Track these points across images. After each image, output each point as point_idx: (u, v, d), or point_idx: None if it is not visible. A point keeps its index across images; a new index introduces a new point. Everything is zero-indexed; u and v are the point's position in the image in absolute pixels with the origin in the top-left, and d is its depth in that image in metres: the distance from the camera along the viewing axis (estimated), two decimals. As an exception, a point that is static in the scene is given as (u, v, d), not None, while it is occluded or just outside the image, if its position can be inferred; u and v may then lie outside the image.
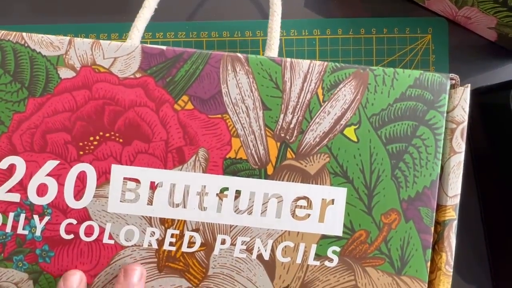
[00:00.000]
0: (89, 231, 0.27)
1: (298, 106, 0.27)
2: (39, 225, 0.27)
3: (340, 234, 0.27)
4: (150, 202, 0.27)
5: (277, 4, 0.34)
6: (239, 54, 0.27)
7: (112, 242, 0.27)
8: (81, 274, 0.27)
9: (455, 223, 0.27)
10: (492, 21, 0.36)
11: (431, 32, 0.41)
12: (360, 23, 0.41)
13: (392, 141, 0.27)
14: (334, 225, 0.27)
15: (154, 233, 0.27)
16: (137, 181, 0.27)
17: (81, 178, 0.27)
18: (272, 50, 0.33)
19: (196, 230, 0.27)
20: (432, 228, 0.27)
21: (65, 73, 0.27)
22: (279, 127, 0.27)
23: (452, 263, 0.27)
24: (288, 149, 0.27)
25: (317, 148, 0.27)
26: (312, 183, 0.27)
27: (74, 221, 0.27)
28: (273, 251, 0.27)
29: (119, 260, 0.27)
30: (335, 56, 0.41)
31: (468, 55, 0.41)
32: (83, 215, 0.27)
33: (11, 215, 0.27)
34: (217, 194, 0.27)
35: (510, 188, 0.36)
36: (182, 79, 0.27)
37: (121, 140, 0.27)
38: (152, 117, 0.27)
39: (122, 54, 0.27)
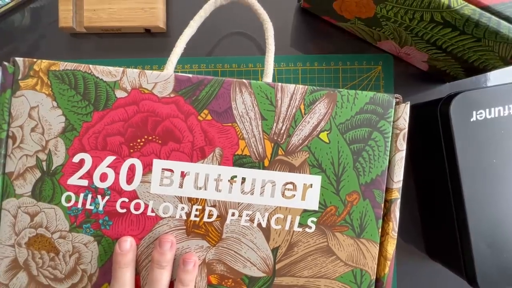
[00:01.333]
0: (137, 207, 0.27)
1: (286, 117, 0.27)
2: (101, 202, 0.27)
3: (316, 208, 0.27)
4: (180, 186, 0.27)
5: (271, 44, 0.33)
6: (244, 80, 0.27)
7: (153, 214, 0.27)
8: (131, 239, 0.26)
9: (398, 201, 0.26)
10: (424, 56, 0.36)
11: (381, 64, 0.41)
12: (330, 58, 0.41)
13: (354, 142, 0.26)
14: (312, 202, 0.27)
15: (183, 208, 0.27)
16: (171, 171, 0.27)
17: (132, 169, 0.27)
18: (268, 77, 0.33)
19: (214, 206, 0.27)
20: (382, 204, 0.26)
21: (120, 93, 0.27)
22: (273, 132, 0.27)
23: (396, 229, 0.26)
24: (279, 148, 0.27)
25: (300, 147, 0.27)
26: (297, 172, 0.27)
27: (126, 200, 0.27)
28: (268, 221, 0.27)
29: (159, 227, 0.27)
30: (313, 82, 0.40)
31: (408, 81, 0.41)
32: (133, 195, 0.27)
33: (81, 195, 0.27)
34: (228, 180, 0.27)
35: (433, 175, 0.36)
36: (203, 98, 0.27)
37: (160, 142, 0.27)
38: (182, 125, 0.27)
39: (160, 80, 0.27)
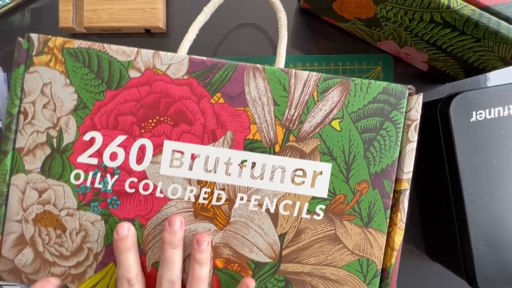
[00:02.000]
0: (146, 187, 0.27)
1: (299, 104, 0.27)
2: (110, 181, 0.27)
3: (325, 196, 0.27)
4: (190, 168, 0.27)
5: (284, 34, 0.34)
6: (258, 65, 0.27)
7: (162, 195, 0.27)
8: (128, 225, 0.26)
9: (408, 191, 0.26)
10: (424, 56, 0.36)
11: (381, 64, 0.41)
12: (330, 59, 0.41)
13: (365, 131, 0.26)
14: (321, 190, 0.27)
15: (192, 190, 0.27)
16: (181, 152, 0.27)
17: (142, 149, 0.27)
18: (280, 66, 0.33)
19: (223, 189, 0.27)
20: (391, 195, 0.26)
21: (133, 73, 0.27)
22: (285, 118, 0.27)
23: (404, 220, 0.26)
24: (291, 134, 0.27)
25: (312, 134, 0.27)
26: (307, 159, 0.27)
27: (135, 180, 0.27)
28: (277, 206, 0.27)
29: (167, 209, 0.27)
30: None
31: (407, 81, 0.41)
32: (142, 175, 0.27)
33: (91, 173, 0.27)
34: (238, 164, 0.27)
35: (433, 175, 0.36)
36: (217, 81, 0.27)
37: (171, 123, 0.27)
38: (195, 107, 0.27)
39: (175, 61, 0.27)
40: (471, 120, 0.32)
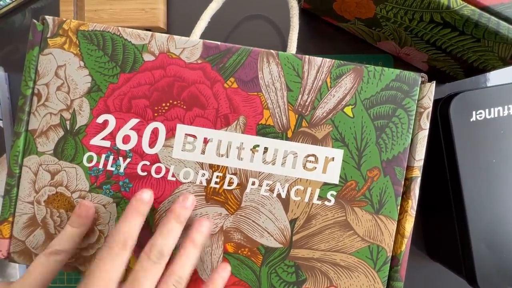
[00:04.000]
0: (158, 170, 0.27)
1: (312, 90, 0.27)
2: (122, 164, 0.27)
3: (337, 182, 0.27)
4: (203, 152, 0.27)
5: (296, 22, 0.34)
6: (272, 51, 0.27)
7: (174, 179, 0.27)
8: (151, 192, 0.26)
9: (419, 179, 0.27)
10: (424, 56, 0.36)
11: (381, 64, 0.41)
12: (330, 59, 0.41)
13: (378, 118, 0.27)
14: (333, 176, 0.27)
15: (204, 174, 0.27)
16: (194, 136, 0.27)
17: (155, 132, 0.27)
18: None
19: (235, 173, 0.27)
20: (403, 182, 0.27)
21: (147, 57, 0.27)
22: (297, 104, 0.27)
23: (415, 207, 0.27)
24: (303, 120, 0.27)
25: (324, 120, 0.27)
26: (319, 145, 0.27)
27: (148, 163, 0.27)
28: (288, 192, 0.27)
29: (178, 192, 0.27)
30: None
31: None
32: (155, 158, 0.27)
33: (103, 156, 0.27)
34: (251, 149, 0.27)
35: (433, 175, 0.36)
36: (230, 66, 0.27)
37: (184, 107, 0.27)
38: (208, 91, 0.27)
39: (189, 45, 0.27)
40: (471, 120, 0.32)
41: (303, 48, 0.41)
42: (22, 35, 0.42)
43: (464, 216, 0.32)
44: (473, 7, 0.26)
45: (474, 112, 0.32)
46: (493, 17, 0.27)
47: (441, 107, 0.33)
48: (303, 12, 0.41)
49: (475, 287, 0.32)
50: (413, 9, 0.29)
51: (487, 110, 0.32)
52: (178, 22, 0.41)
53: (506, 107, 0.32)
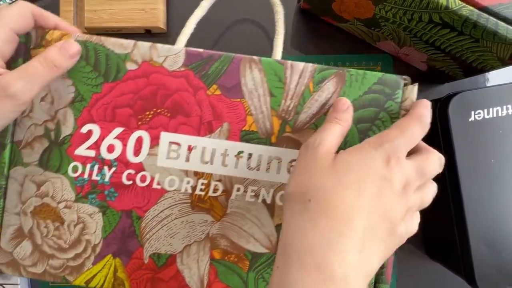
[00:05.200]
0: (143, 179, 0.27)
1: (295, 95, 0.27)
2: (107, 173, 0.27)
3: None
4: (187, 160, 0.27)
5: (281, 27, 0.34)
6: (254, 57, 0.27)
7: (159, 187, 0.27)
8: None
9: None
10: (423, 56, 0.36)
11: (380, 64, 0.41)
12: (329, 59, 0.41)
13: (361, 122, 0.27)
14: (318, 180, 0.27)
15: (189, 181, 0.27)
16: (178, 144, 0.27)
17: (139, 141, 0.27)
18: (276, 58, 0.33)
19: (219, 180, 0.27)
20: None
21: (130, 66, 0.27)
22: (281, 109, 0.27)
23: None
24: (287, 125, 0.27)
25: (308, 125, 0.27)
26: None
27: (133, 171, 0.27)
28: (273, 197, 0.27)
29: (164, 200, 0.27)
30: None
31: None
32: (140, 167, 0.27)
33: (88, 166, 0.27)
34: (235, 156, 0.27)
35: None
36: (213, 73, 0.27)
37: (168, 115, 0.27)
38: (191, 99, 0.27)
39: (171, 53, 0.27)
40: (470, 119, 0.32)
41: (302, 48, 0.41)
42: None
43: (463, 215, 0.32)
44: (471, 8, 0.27)
45: (473, 112, 0.32)
46: (491, 18, 0.27)
47: (440, 107, 0.33)
48: (302, 12, 0.41)
49: (474, 286, 0.32)
50: (412, 9, 0.29)
51: (486, 110, 0.32)
52: (178, 22, 0.41)
53: (505, 107, 0.32)
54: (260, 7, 0.40)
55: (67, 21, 0.39)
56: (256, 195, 0.27)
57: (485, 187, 0.32)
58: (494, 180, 0.32)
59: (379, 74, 0.27)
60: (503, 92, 0.32)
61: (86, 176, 0.27)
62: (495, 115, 0.32)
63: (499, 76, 0.41)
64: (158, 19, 0.39)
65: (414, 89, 0.27)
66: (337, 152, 0.23)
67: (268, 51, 0.40)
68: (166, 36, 0.41)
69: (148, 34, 0.41)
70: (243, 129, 0.27)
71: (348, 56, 0.41)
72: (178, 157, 0.27)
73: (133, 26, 0.39)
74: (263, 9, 0.39)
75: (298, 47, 0.41)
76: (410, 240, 0.40)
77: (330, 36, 0.41)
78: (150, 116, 0.27)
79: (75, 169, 0.27)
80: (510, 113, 0.32)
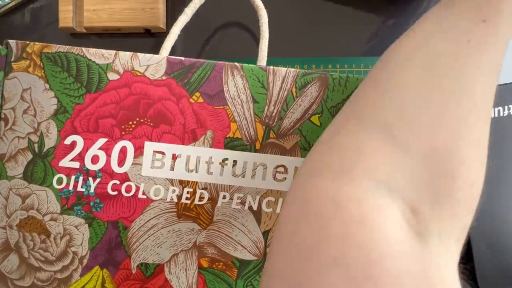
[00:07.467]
0: (128, 189, 0.27)
1: (278, 100, 0.27)
2: (92, 184, 0.27)
3: None
4: (172, 168, 0.27)
5: (265, 31, 0.34)
6: (236, 63, 0.27)
7: (144, 197, 0.27)
8: None
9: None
10: None
11: None
12: (329, 61, 0.41)
13: None
14: (304, 186, 0.27)
15: (174, 190, 0.27)
16: (162, 153, 0.27)
17: (123, 151, 0.27)
18: (262, 63, 0.33)
19: (205, 188, 0.27)
20: None
21: (112, 76, 0.27)
22: (264, 115, 0.27)
23: None
24: (271, 131, 0.27)
25: (292, 130, 0.27)
26: (288, 155, 0.27)
27: (118, 182, 0.27)
28: (260, 204, 0.27)
29: (150, 210, 0.27)
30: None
31: None
32: (124, 177, 0.27)
33: (73, 177, 0.27)
34: (220, 163, 0.27)
35: None
36: (195, 81, 0.27)
37: (151, 124, 0.27)
38: (174, 107, 0.27)
39: (153, 62, 0.27)
40: None
41: (300, 51, 0.41)
42: (21, 35, 0.42)
43: (463, 215, 0.32)
44: None
45: (473, 112, 0.32)
46: None
47: None
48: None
49: (475, 287, 0.32)
50: None
51: None
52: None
53: (506, 107, 0.32)
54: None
55: (66, 21, 0.39)
56: (242, 202, 0.27)
57: (486, 188, 0.31)
58: (495, 180, 0.32)
59: (362, 77, 0.27)
60: (504, 92, 0.32)
61: (71, 187, 0.27)
62: (496, 115, 0.32)
63: (500, 76, 0.41)
64: (158, 19, 0.39)
65: (397, 91, 0.27)
66: None
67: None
68: (166, 35, 0.41)
69: (148, 34, 0.41)
70: (227, 136, 0.27)
71: (348, 58, 0.41)
72: (162, 166, 0.27)
73: (133, 25, 0.39)
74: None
75: (297, 48, 0.41)
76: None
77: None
78: (133, 126, 0.27)
79: (59, 181, 0.27)
80: (511, 113, 0.32)
